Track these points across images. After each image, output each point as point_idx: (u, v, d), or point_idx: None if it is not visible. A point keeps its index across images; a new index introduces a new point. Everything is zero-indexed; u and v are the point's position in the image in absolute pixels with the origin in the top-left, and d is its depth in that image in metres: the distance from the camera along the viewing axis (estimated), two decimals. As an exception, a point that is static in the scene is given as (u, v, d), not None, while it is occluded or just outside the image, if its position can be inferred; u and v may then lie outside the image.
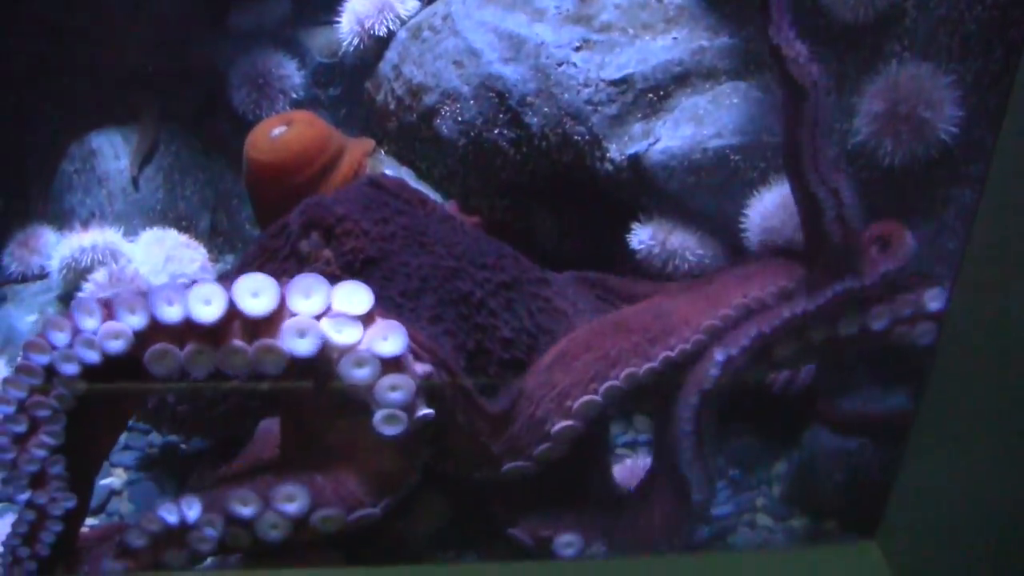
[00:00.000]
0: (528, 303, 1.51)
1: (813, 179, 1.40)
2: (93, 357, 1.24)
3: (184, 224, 2.21)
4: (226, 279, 1.26)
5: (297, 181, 1.93)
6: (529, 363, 1.46)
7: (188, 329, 1.23)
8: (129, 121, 2.26)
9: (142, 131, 2.23)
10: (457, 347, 1.42)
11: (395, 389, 1.26)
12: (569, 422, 1.38)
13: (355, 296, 1.26)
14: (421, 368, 1.29)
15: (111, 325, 1.22)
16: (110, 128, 2.27)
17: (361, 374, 1.25)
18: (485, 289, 1.46)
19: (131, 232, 2.06)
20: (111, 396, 1.31)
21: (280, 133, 1.95)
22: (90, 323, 1.24)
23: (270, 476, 1.32)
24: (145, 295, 1.22)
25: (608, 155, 1.79)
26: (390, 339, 1.25)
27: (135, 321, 1.22)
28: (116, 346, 1.23)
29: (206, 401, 1.59)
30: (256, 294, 1.22)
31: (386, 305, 1.37)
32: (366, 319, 1.25)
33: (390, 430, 1.26)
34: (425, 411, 1.28)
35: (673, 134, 1.75)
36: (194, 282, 1.23)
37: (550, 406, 1.38)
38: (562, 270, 1.68)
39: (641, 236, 1.80)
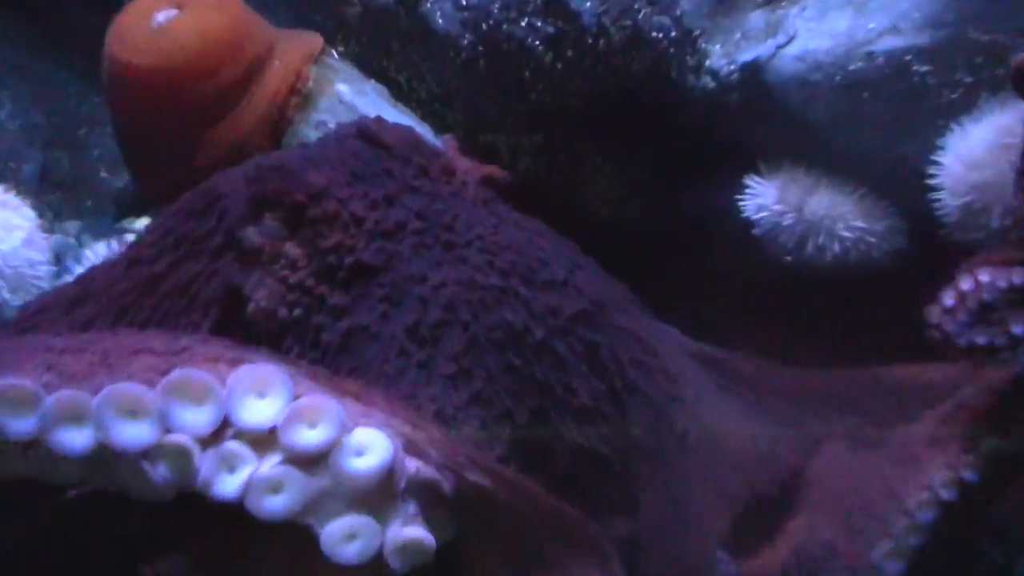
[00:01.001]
0: (617, 348, 1.35)
1: None
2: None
3: (-3, 168, 2.10)
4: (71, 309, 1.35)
5: (195, 100, 1.77)
6: (616, 446, 1.35)
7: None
8: None
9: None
10: (497, 419, 1.29)
11: (347, 492, 1.14)
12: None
13: (264, 393, 1.14)
14: (414, 466, 1.15)
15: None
16: None
17: (277, 504, 1.12)
18: (548, 324, 1.31)
19: (-96, 180, 1.93)
20: None
21: (167, 21, 1.79)
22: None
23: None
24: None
25: (707, 63, 1.66)
26: (320, 426, 1.13)
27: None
28: None
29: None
30: (134, 412, 1.12)
31: (382, 352, 1.29)
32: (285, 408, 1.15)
33: (348, 552, 1.13)
34: (415, 532, 1.13)
35: (817, 29, 1.61)
36: (47, 374, 1.16)
37: None
38: (625, 253, 1.54)
39: (762, 198, 1.63)
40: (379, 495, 1.13)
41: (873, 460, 1.40)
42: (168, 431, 1.11)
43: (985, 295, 1.46)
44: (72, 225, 2.06)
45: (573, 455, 1.30)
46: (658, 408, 1.39)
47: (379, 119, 1.51)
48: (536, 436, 1.31)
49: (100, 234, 1.96)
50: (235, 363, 1.13)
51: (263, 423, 1.11)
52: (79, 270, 1.77)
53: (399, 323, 1.29)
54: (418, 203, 1.36)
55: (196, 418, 1.11)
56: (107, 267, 1.44)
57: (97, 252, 1.78)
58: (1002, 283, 1.48)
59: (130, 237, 1.91)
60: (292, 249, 1.30)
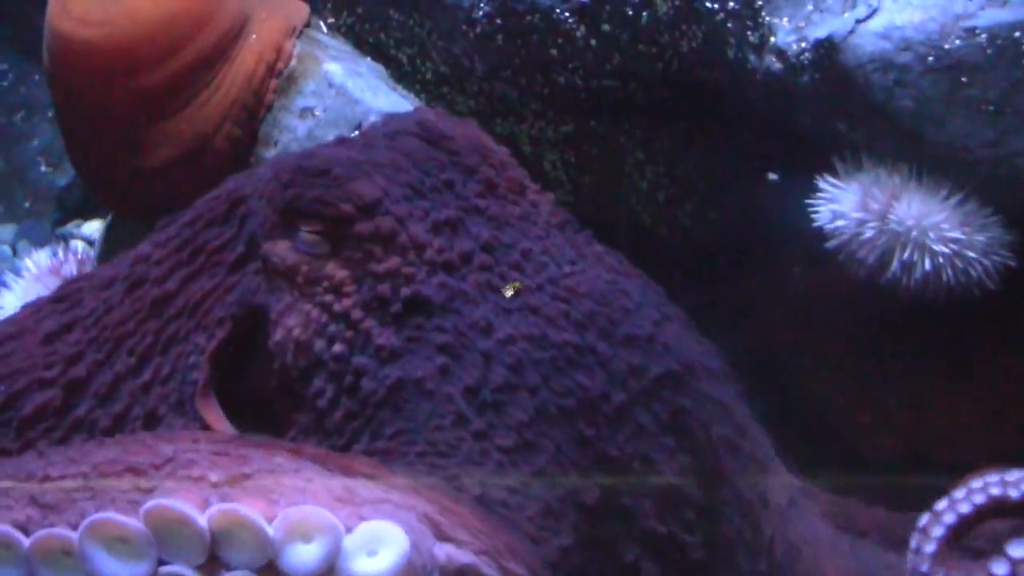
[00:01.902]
0: (707, 421, 1.26)
1: None
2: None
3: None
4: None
5: (153, 81, 1.65)
6: (701, 537, 1.25)
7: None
8: None
9: None
10: (560, 500, 1.19)
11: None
12: None
13: (244, 527, 1.07)
14: (443, 553, 1.06)
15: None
16: None
17: None
18: (630, 387, 1.22)
19: None
20: None
21: (119, -13, 1.83)
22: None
23: None
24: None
25: (772, 41, 1.62)
26: (316, 540, 1.05)
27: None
28: None
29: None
30: (123, 540, 1.08)
31: (436, 416, 1.19)
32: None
33: None
34: None
35: (905, 0, 1.57)
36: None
37: None
38: (671, 271, 1.55)
39: (839, 203, 1.56)
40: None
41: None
42: (161, 562, 1.07)
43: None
44: (6, 230, 2.15)
45: (647, 543, 1.19)
46: (748, 503, 1.29)
47: (441, 111, 1.44)
48: (606, 520, 1.20)
49: (41, 240, 2.01)
50: (218, 487, 1.08)
51: (253, 562, 1.06)
52: (18, 285, 1.73)
53: (456, 384, 1.19)
54: (485, 231, 1.25)
55: (185, 554, 1.07)
56: (98, 285, 1.32)
57: (39, 262, 1.74)
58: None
59: (78, 244, 1.91)
60: (336, 271, 1.22)
